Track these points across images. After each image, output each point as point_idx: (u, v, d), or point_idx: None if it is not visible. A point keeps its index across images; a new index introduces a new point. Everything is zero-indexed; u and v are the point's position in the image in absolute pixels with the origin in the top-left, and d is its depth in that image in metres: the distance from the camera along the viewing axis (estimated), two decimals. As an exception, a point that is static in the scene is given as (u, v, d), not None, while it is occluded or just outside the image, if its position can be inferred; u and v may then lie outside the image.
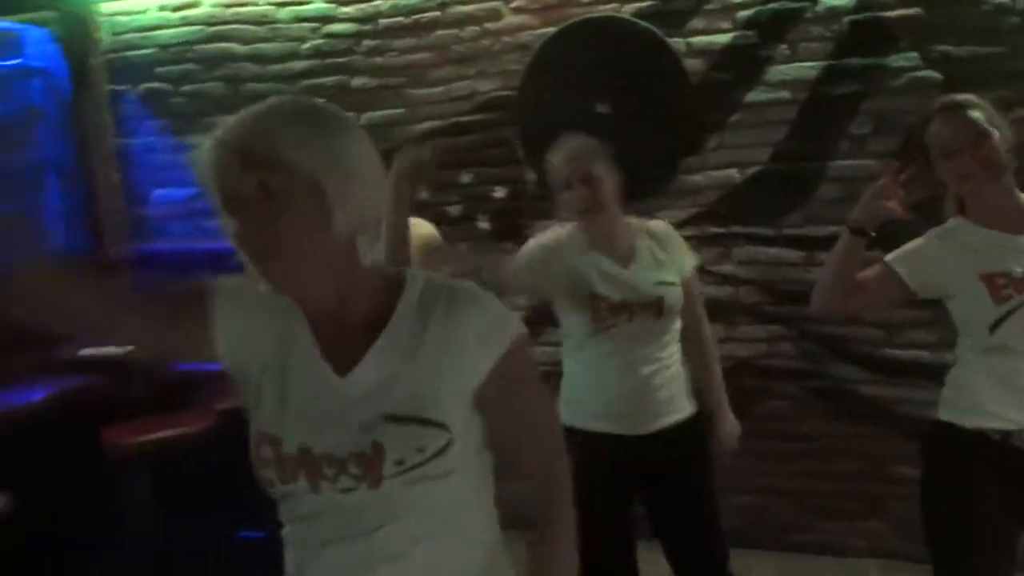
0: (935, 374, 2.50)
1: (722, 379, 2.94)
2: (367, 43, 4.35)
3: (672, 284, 2.74)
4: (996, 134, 2.25)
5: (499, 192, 4.25)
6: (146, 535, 3.83)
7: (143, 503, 3.83)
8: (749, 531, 3.89)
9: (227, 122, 1.35)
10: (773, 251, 3.88)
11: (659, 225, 2.85)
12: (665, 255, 2.77)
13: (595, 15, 3.99)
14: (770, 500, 4.00)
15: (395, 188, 2.30)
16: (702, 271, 3.07)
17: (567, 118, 4.01)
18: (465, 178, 4.26)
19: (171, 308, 1.45)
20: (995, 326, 2.25)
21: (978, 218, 2.34)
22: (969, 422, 2.30)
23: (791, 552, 3.94)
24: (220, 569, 3.77)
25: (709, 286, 3.67)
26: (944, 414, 2.37)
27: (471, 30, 4.20)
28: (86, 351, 4.06)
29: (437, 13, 4.23)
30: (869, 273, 2.37)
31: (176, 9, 4.62)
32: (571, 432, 2.71)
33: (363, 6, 4.32)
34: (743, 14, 3.83)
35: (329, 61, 4.41)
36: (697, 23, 3.89)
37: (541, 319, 4.04)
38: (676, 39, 3.90)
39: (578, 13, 4.01)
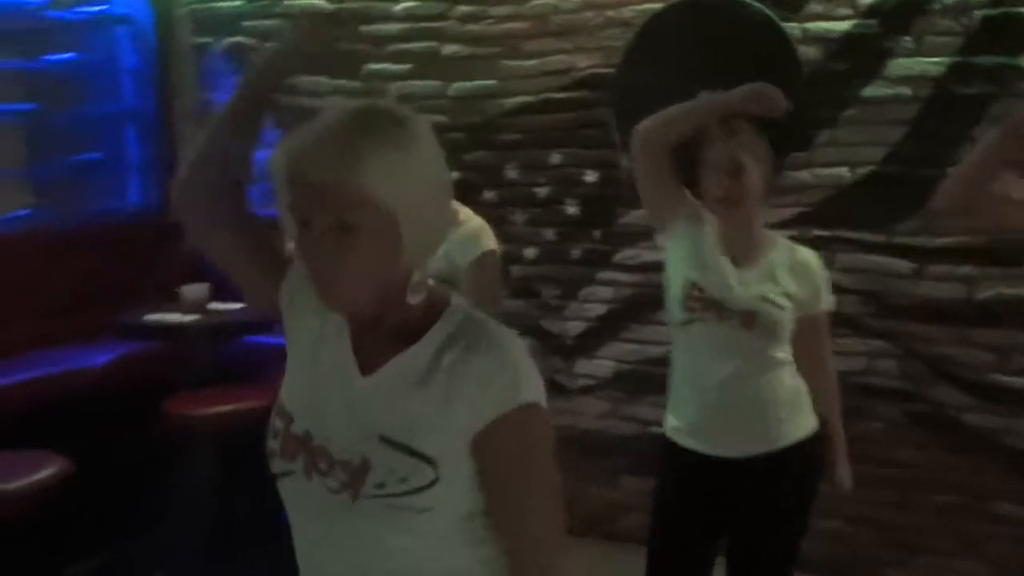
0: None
1: (842, 433, 3.01)
2: (462, 8, 4.57)
3: (777, 306, 2.81)
4: None
5: (590, 176, 4.44)
6: (203, 510, 4.14)
7: (202, 477, 4.15)
8: (834, 560, 4.03)
9: (304, 139, 1.43)
10: (881, 260, 3.99)
11: (807, 253, 2.93)
12: (790, 280, 2.85)
13: (705, -7, 4.13)
14: (858, 529, 4.11)
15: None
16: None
17: (666, 101, 4.19)
18: (555, 158, 4.45)
19: (270, 243, 1.68)
20: None
21: None
22: None
23: (877, 586, 4.07)
24: (273, 549, 4.09)
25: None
26: None
27: (572, 1, 4.38)
28: (151, 316, 4.41)
29: (538, -21, 4.42)
30: None
31: (266, -39, 4.92)
32: (664, 440, 2.97)
33: (461, -31, 4.55)
34: (865, 0, 3.92)
35: (422, 26, 4.65)
36: (815, 7, 4.00)
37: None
38: (791, 24, 4.01)
39: (686, -10, 4.15)
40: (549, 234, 4.57)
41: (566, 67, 4.41)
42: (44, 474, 3.49)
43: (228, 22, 5.02)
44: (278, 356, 1.69)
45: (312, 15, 2.37)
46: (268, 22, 4.94)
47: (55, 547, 3.81)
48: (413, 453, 1.48)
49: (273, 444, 1.58)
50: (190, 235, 1.71)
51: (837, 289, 4.00)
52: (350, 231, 1.42)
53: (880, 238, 3.99)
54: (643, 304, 4.38)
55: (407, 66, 4.73)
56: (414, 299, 1.53)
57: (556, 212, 4.52)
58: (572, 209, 4.49)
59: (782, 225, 3.40)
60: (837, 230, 4.04)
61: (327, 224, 1.42)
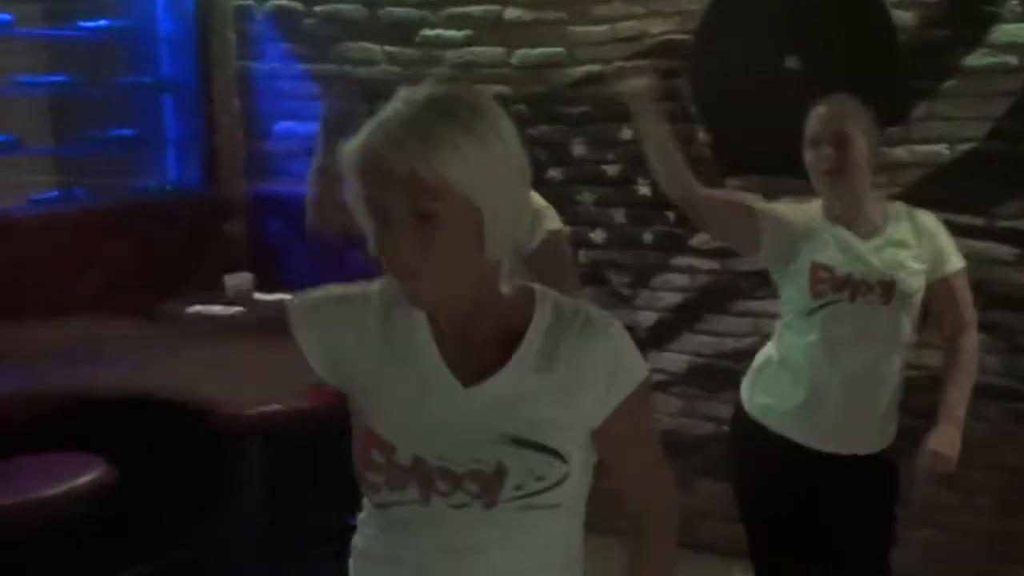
0: None
1: (968, 399, 3.13)
2: (526, -31, 4.72)
3: (913, 272, 3.04)
4: None
5: None
6: (253, 515, 4.32)
7: (251, 481, 4.31)
8: (932, 573, 4.19)
9: (380, 129, 1.56)
10: (982, 245, 4.07)
11: (928, 216, 3.18)
12: (917, 243, 3.10)
13: (792, -47, 4.25)
14: (959, 539, 4.24)
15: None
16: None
17: (749, 72, 4.36)
18: (626, 134, 4.56)
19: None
20: None
21: None
22: None
23: (979, 603, 4.19)
24: (327, 555, 4.29)
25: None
26: None
27: (645, -39, 4.51)
28: (193, 308, 4.58)
29: (609, -63, 4.56)
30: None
31: (313, -81, 5.12)
32: (761, 431, 3.16)
33: (524, -75, 4.69)
34: (968, -40, 4.02)
35: (482, -12, 4.82)
36: (912, -33, 4.09)
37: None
38: (885, -14, 4.11)
39: (771, -51, 4.27)
40: (619, 216, 4.73)
41: (638, 33, 4.54)
42: (86, 479, 3.66)
43: (272, -17, 5.22)
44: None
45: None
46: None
47: (98, 555, 4.02)
48: (546, 450, 1.66)
49: (375, 478, 1.70)
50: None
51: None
52: (430, 221, 1.55)
53: (981, 221, 4.08)
54: (721, 292, 4.55)
55: (465, 32, 4.91)
56: (507, 289, 1.70)
57: (627, 192, 4.68)
58: (644, 189, 4.62)
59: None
60: (935, 212, 4.10)
61: (407, 215, 1.55)
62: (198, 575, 4.40)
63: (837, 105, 3.06)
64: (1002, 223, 4.09)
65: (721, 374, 4.46)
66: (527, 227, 1.81)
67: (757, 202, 3.15)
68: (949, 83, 4.11)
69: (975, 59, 4.06)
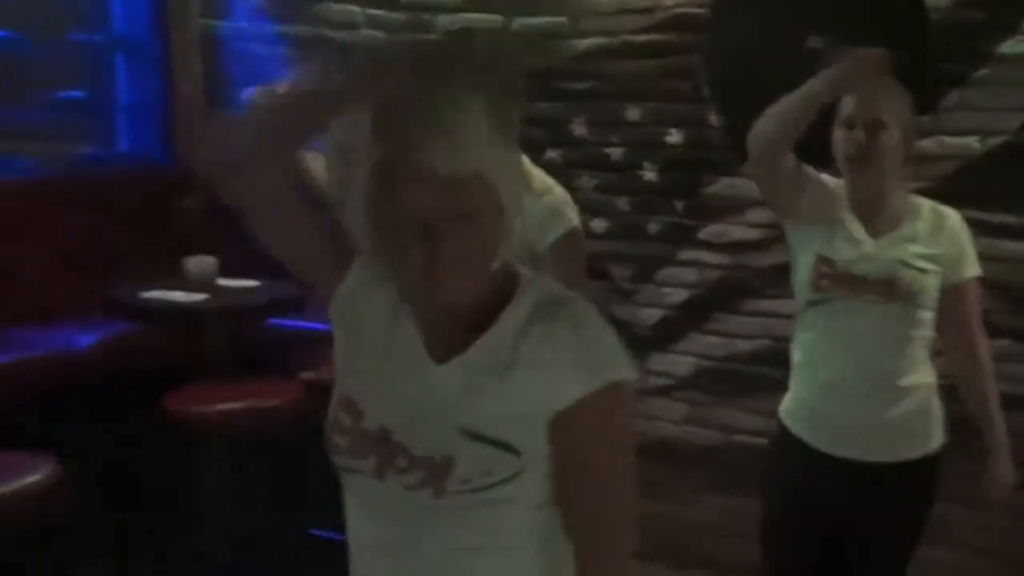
0: None
1: (1000, 411, 3.29)
2: (527, -72, 4.76)
3: (919, 270, 3.14)
4: None
5: (674, 136, 4.68)
6: (216, 519, 4.42)
7: (213, 482, 4.42)
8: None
9: (418, 132, 1.63)
10: (1015, 246, 4.20)
11: (954, 217, 3.26)
12: (936, 243, 3.19)
13: (818, -77, 4.32)
14: (974, 561, 4.37)
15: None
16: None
17: (769, 50, 4.49)
18: (632, 114, 4.68)
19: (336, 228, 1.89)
20: None
21: None
22: None
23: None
24: (287, 567, 4.39)
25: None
26: None
27: (658, -75, 4.58)
28: (151, 294, 4.61)
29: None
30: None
31: None
32: (785, 433, 3.29)
33: None
34: (1006, -62, 4.10)
35: (478, -53, 4.86)
36: (945, -56, 4.18)
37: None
38: (916, -36, 4.19)
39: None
40: (623, 204, 4.81)
41: (650, 5, 4.61)
42: (32, 478, 3.71)
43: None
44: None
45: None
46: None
47: (48, 559, 4.11)
48: (498, 444, 1.75)
49: (340, 440, 1.83)
50: (242, 197, 1.84)
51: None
52: (471, 220, 1.67)
53: (1015, 219, 4.20)
54: (732, 290, 4.63)
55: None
56: (495, 266, 1.79)
57: (632, 178, 4.76)
58: (650, 175, 4.73)
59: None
60: (965, 209, 4.06)
61: (450, 216, 1.65)
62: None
63: (879, 88, 3.13)
64: (1036, 221, 4.17)
65: (731, 378, 4.54)
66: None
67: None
68: (982, 71, 4.21)
69: (1010, 46, 4.15)
